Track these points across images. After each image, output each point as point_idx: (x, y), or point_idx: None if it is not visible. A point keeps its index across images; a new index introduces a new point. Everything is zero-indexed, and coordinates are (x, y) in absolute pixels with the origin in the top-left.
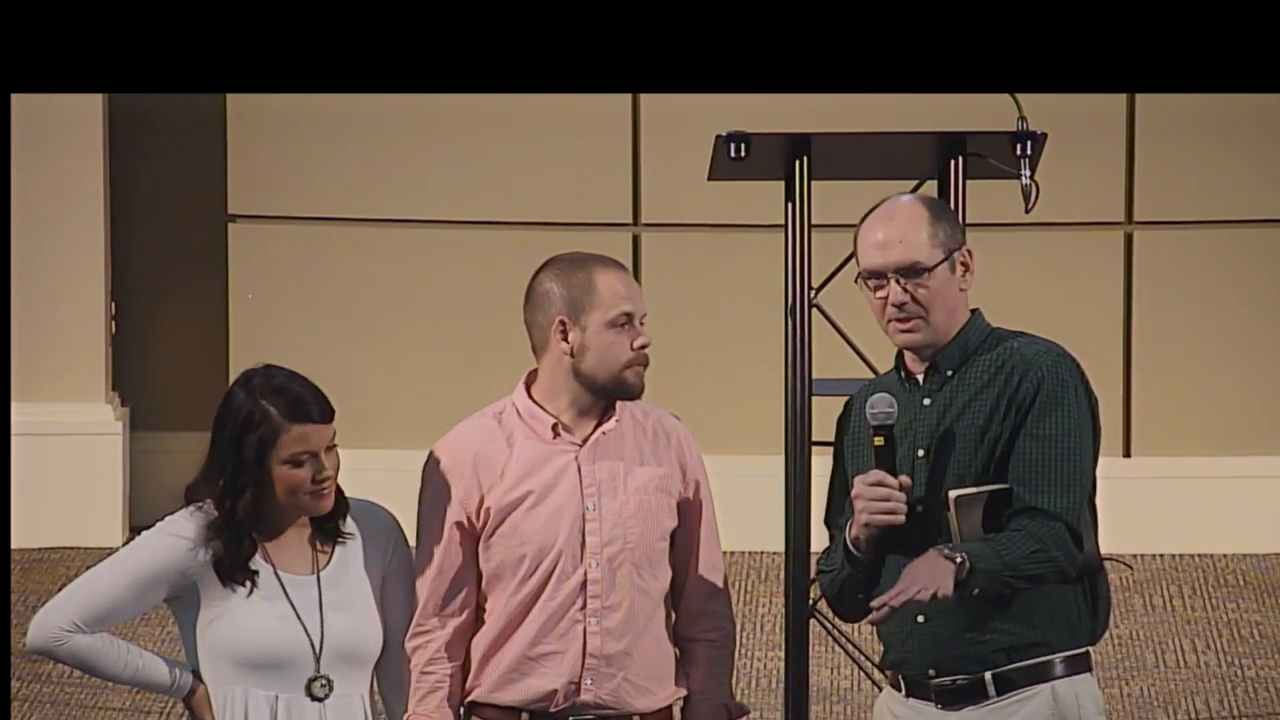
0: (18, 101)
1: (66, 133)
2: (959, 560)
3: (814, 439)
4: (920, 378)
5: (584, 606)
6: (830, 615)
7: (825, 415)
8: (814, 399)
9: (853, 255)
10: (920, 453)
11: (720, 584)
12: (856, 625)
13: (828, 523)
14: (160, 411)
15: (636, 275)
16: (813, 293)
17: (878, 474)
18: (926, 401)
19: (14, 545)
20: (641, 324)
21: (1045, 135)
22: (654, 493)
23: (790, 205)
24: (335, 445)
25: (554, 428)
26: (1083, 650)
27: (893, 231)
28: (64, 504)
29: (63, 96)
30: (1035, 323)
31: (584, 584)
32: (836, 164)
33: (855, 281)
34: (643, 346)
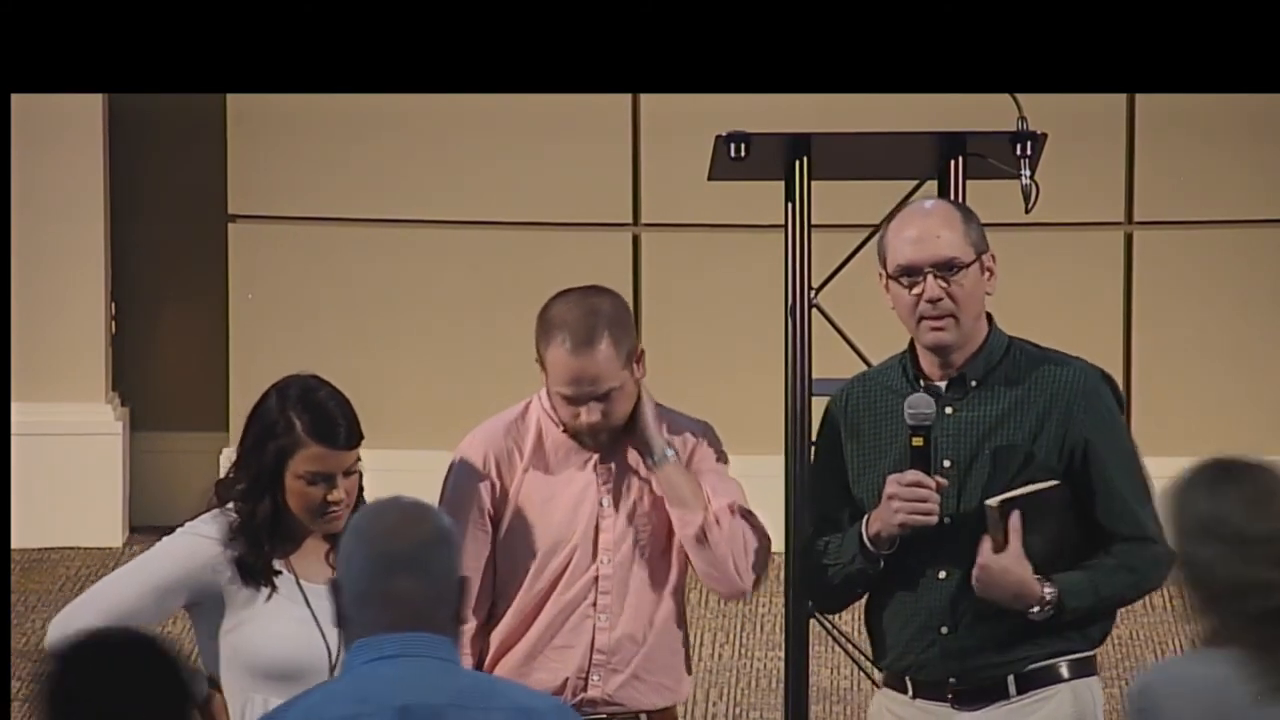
0: (18, 101)
1: (66, 133)
2: (1048, 598)
3: (814, 439)
4: (941, 386)
5: (595, 603)
6: (830, 615)
7: None
8: (814, 399)
9: (853, 255)
10: (947, 463)
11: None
12: (857, 626)
13: (819, 515)
14: (160, 411)
15: (636, 275)
16: (813, 293)
17: (916, 474)
18: (949, 410)
19: (14, 545)
20: (599, 399)
21: (1045, 135)
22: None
23: (790, 205)
24: (357, 470)
25: None
26: (1094, 652)
27: (929, 227)
28: (64, 504)
29: (63, 96)
30: (1035, 323)
31: (596, 580)
32: (836, 164)
33: (881, 279)
34: (589, 424)
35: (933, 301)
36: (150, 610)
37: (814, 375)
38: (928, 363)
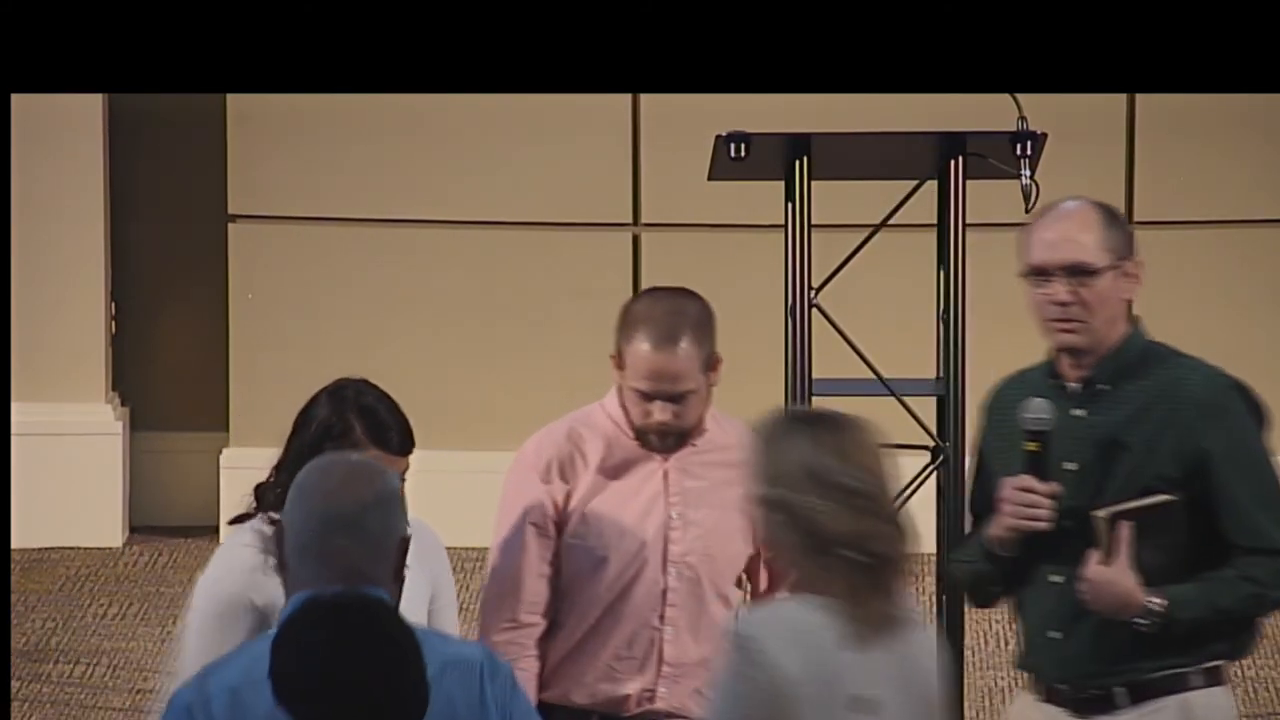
0: (18, 101)
1: (66, 133)
2: (1156, 609)
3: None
4: (1074, 386)
5: (662, 615)
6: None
7: None
8: (814, 399)
9: (853, 255)
10: (1072, 465)
11: None
12: None
13: (970, 508)
14: (160, 411)
15: (636, 275)
16: (813, 293)
17: (1026, 479)
18: (1078, 413)
19: (14, 545)
20: (673, 399)
21: (1045, 135)
22: (734, 511)
23: (790, 205)
24: (405, 477)
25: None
26: (1218, 663)
27: (1064, 230)
28: (64, 504)
29: (63, 96)
30: (1034, 323)
31: (664, 592)
32: (836, 164)
33: (1020, 276)
34: (659, 423)
35: (1059, 305)
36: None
37: (814, 375)
38: (1063, 364)
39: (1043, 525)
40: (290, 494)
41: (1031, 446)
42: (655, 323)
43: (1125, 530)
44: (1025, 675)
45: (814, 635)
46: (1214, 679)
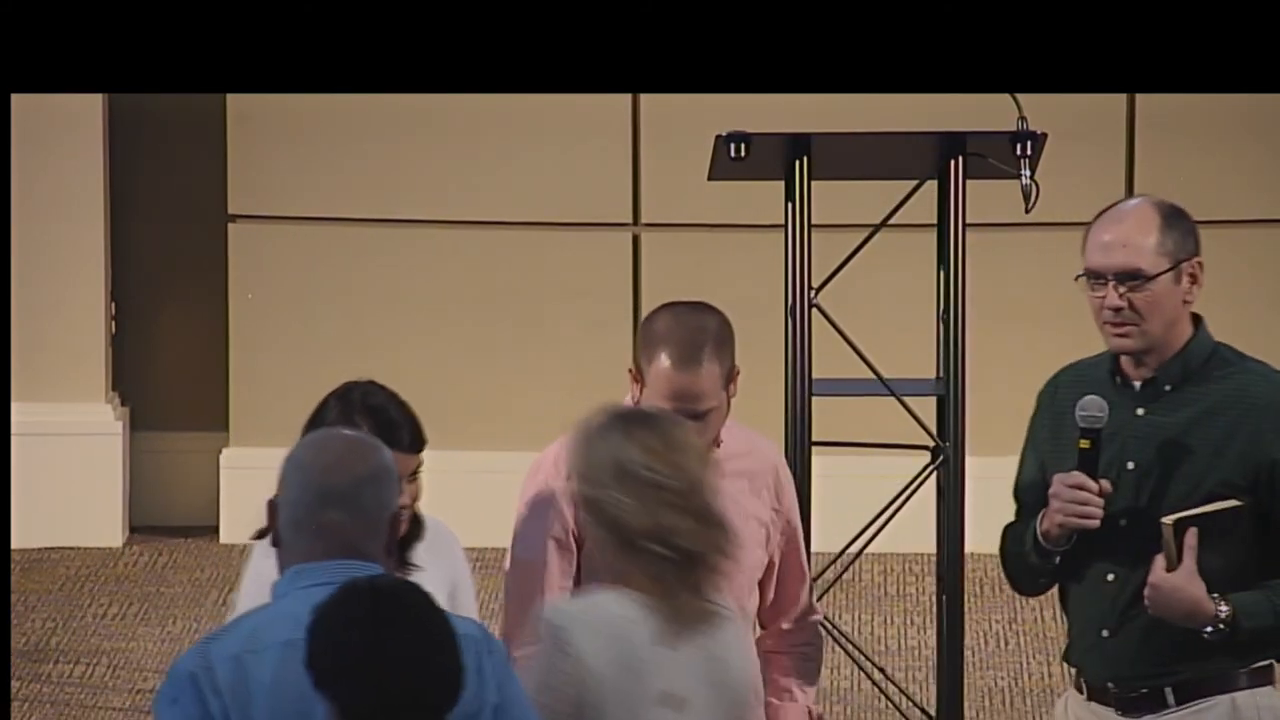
0: (18, 101)
1: (66, 133)
2: (1223, 617)
3: (814, 439)
4: (1137, 384)
5: None
6: (830, 615)
7: (825, 415)
8: (814, 399)
9: (853, 255)
10: (1130, 465)
11: (812, 601)
12: (856, 625)
13: (1015, 495)
14: (160, 411)
15: (636, 275)
16: (813, 293)
17: (1079, 477)
18: (1140, 411)
19: (14, 545)
20: (695, 418)
21: (1045, 135)
22: (752, 520)
23: (790, 205)
24: (419, 476)
25: None
26: (1267, 662)
27: (1119, 234)
28: (64, 504)
29: (63, 96)
30: (1034, 323)
31: None
32: (836, 164)
33: (1075, 280)
34: None
35: (1114, 309)
36: None
37: (814, 375)
38: (1125, 362)
39: (1093, 523)
40: (285, 468)
41: (1084, 444)
42: (677, 342)
43: (1192, 537)
44: (1070, 670)
45: (625, 629)
46: (1262, 679)
